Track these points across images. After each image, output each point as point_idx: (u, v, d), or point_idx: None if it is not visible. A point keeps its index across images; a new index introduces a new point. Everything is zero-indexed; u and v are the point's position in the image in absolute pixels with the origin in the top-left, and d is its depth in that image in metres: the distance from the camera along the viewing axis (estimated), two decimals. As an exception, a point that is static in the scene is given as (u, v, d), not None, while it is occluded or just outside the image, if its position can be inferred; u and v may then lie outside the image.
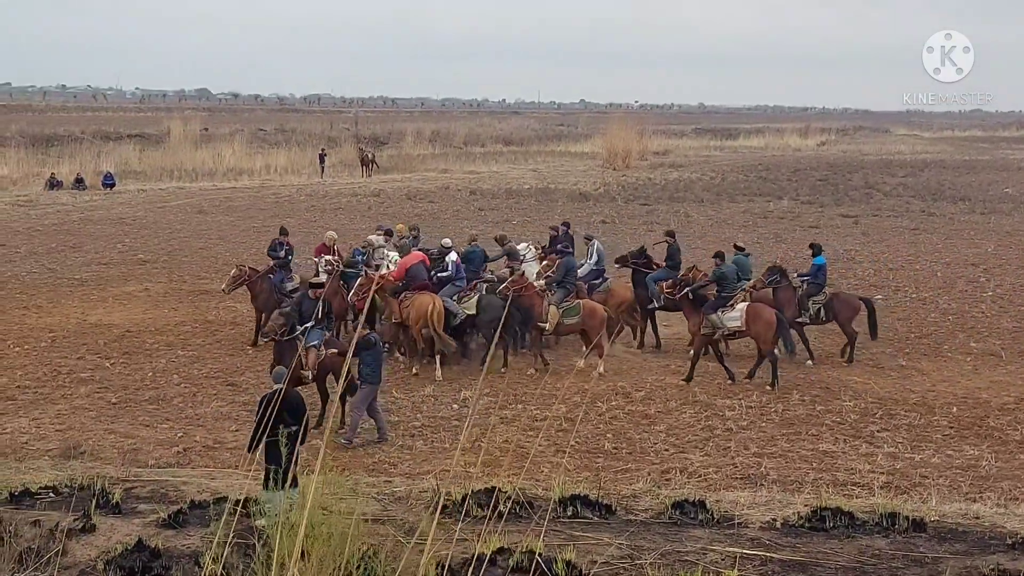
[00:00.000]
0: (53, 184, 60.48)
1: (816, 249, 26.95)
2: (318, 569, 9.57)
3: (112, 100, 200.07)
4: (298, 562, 10.05)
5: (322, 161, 73.44)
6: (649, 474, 17.92)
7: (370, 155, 75.82)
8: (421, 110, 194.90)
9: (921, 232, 48.24)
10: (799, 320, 25.46)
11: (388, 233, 29.82)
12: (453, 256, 26.34)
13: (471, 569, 13.60)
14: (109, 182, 61.63)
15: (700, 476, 17.91)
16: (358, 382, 19.29)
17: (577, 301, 24.93)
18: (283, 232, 28.87)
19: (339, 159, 79.98)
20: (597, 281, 27.70)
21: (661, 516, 16.03)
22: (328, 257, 27.60)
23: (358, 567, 9.44)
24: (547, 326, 24.58)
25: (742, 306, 23.89)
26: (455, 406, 21.47)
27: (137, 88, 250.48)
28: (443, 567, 11.52)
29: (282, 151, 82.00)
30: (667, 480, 17.61)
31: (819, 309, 25.77)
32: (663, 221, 49.77)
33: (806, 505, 16.25)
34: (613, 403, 21.94)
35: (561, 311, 24.56)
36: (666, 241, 28.17)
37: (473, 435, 19.18)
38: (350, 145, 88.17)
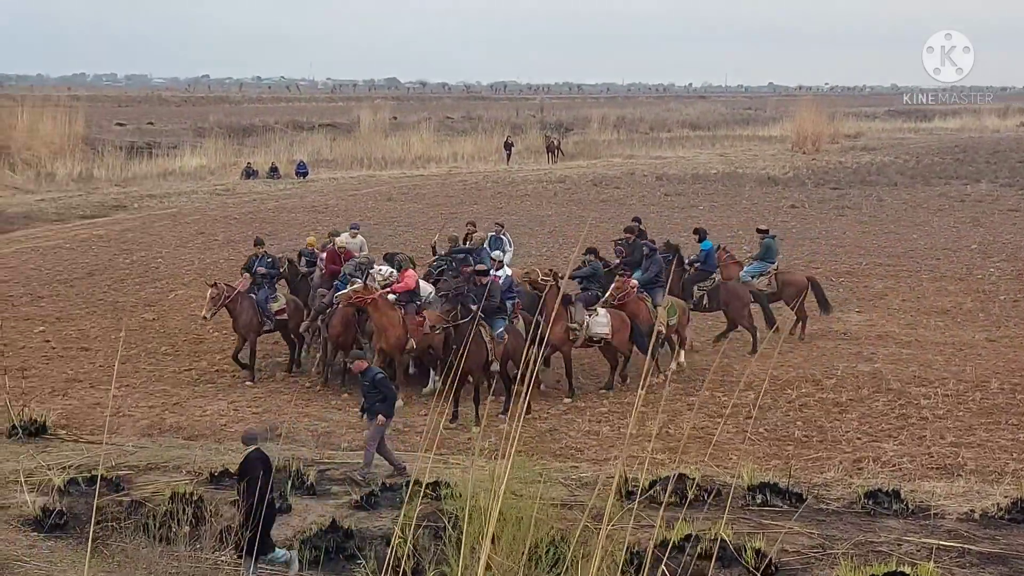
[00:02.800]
0: (249, 173, 61.91)
1: (702, 234, 26.12)
2: (507, 552, 9.62)
3: (305, 90, 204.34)
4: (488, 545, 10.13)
5: (508, 148, 73.72)
6: (841, 463, 17.62)
7: (556, 142, 75.91)
8: (607, 96, 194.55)
9: None
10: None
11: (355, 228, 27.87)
12: (507, 271, 23.61)
13: (658, 555, 13.55)
14: (302, 171, 62.87)
15: (894, 465, 17.54)
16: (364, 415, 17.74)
17: (671, 299, 23.45)
18: (258, 243, 25.48)
19: (525, 146, 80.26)
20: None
21: (853, 506, 15.78)
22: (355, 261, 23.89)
23: (546, 551, 9.46)
24: (662, 328, 22.70)
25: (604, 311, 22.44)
26: (641, 392, 21.34)
27: (328, 78, 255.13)
28: (630, 552, 11.50)
29: (469, 139, 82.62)
30: (859, 469, 17.30)
31: (703, 296, 25.04)
32: (855, 205, 48.91)
33: (1006, 496, 15.80)
34: (803, 390, 21.62)
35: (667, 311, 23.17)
36: (625, 238, 25.40)
37: (660, 421, 19.08)
38: (536, 132, 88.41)
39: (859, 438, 18.97)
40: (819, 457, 18.04)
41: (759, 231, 27.42)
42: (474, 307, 19.91)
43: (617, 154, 78.57)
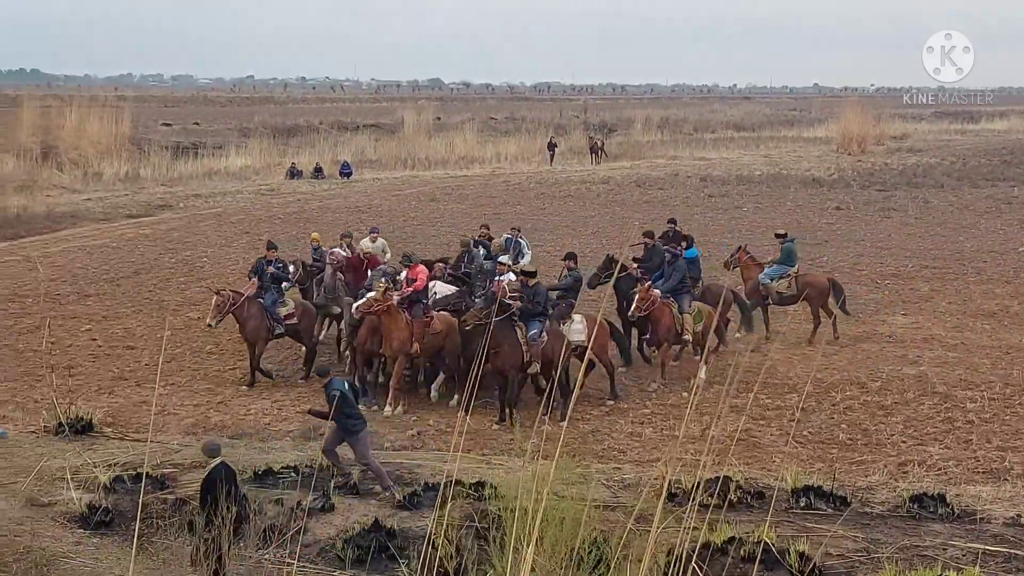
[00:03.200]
0: (293, 173, 62.20)
1: (689, 241, 25.45)
2: (551, 553, 9.62)
3: (349, 91, 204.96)
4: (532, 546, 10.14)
5: (552, 149, 73.72)
6: (886, 466, 17.52)
7: (599, 142, 75.85)
8: (650, 96, 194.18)
9: None
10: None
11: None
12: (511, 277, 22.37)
13: (701, 557, 13.52)
14: (346, 171, 63.08)
15: (939, 469, 17.42)
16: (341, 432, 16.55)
17: (698, 305, 23.16)
18: (271, 247, 24.34)
19: (568, 147, 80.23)
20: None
21: (898, 509, 15.69)
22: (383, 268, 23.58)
23: (589, 552, 9.46)
24: (689, 336, 22.82)
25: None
26: (684, 394, 21.31)
27: (373, 79, 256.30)
28: (673, 555, 11.47)
29: (512, 139, 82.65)
30: (904, 473, 17.19)
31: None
32: (900, 207, 48.63)
33: (1053, 501, 15.67)
34: (848, 393, 21.50)
35: (693, 317, 22.81)
36: (644, 243, 25.21)
37: (703, 423, 19.03)
38: (579, 133, 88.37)
39: (904, 441, 18.85)
40: (864, 460, 17.94)
41: (778, 235, 27.09)
42: (509, 308, 19.95)
43: (661, 155, 78.42)
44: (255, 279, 22.97)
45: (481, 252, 24.96)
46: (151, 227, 43.20)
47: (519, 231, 27.26)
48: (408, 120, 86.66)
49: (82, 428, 19.22)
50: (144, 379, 22.68)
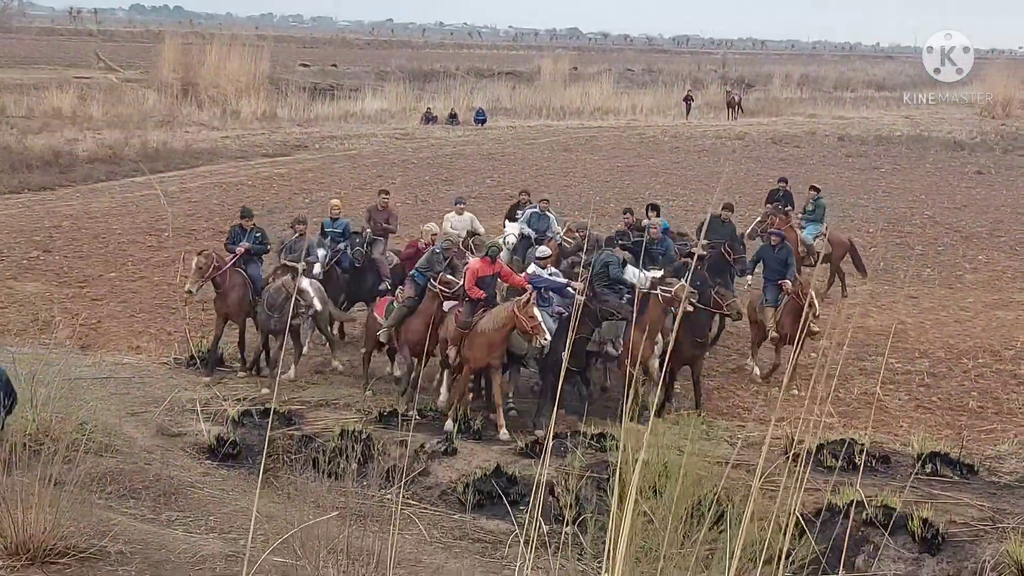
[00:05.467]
0: (428, 119, 62.50)
1: (657, 210, 22.40)
2: (671, 507, 9.61)
3: (486, 38, 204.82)
4: (650, 499, 10.15)
5: (688, 103, 73.09)
6: (1016, 436, 17.19)
7: (737, 97, 74.96)
8: (791, 53, 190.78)
9: None
10: None
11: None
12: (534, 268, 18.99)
13: (823, 519, 13.41)
14: (480, 118, 63.20)
15: (1072, 441, 17.02)
16: None
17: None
18: (246, 215, 20.97)
19: (705, 101, 79.49)
20: None
21: (1027, 480, 15.40)
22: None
23: (710, 508, 9.43)
24: (774, 333, 20.15)
25: None
26: (812, 354, 21.07)
27: (510, 26, 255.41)
28: (794, 515, 11.40)
29: (648, 91, 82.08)
30: (1035, 443, 16.83)
31: None
32: (1043, 173, 47.32)
33: None
34: (980, 360, 21.10)
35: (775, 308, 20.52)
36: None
37: (830, 385, 18.80)
38: (717, 87, 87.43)
39: (1036, 411, 18.47)
40: (993, 429, 17.62)
41: (813, 188, 26.42)
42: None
43: (799, 112, 77.26)
44: (244, 244, 19.97)
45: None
46: (286, 167, 43.75)
47: (548, 202, 23.41)
48: (544, 69, 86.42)
49: (213, 362, 19.62)
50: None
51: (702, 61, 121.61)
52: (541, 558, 11.85)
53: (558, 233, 21.78)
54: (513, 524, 13.37)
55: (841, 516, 13.60)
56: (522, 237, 21.89)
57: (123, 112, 55.91)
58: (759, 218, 24.29)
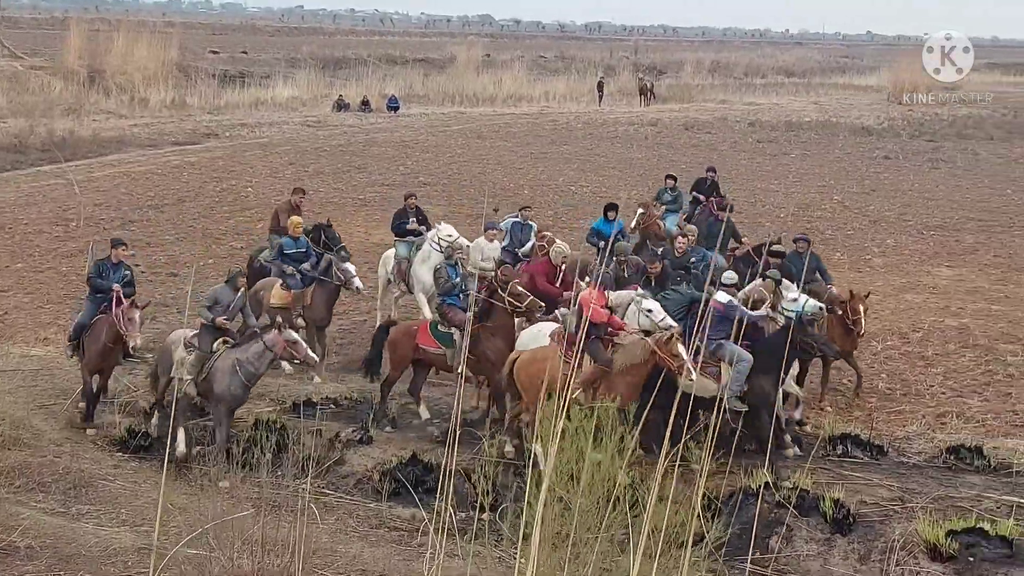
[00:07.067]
0: (340, 106, 62.26)
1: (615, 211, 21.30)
2: (587, 492, 9.67)
3: (398, 24, 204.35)
4: (566, 485, 10.19)
5: (601, 90, 73.42)
6: (924, 417, 17.44)
7: (649, 84, 75.41)
8: (702, 39, 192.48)
9: None
10: None
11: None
12: None
13: (737, 502, 13.56)
14: (393, 105, 63.05)
15: (977, 422, 17.33)
16: None
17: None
18: (116, 244, 17.62)
19: (618, 88, 79.84)
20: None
21: (935, 460, 15.69)
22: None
23: (625, 493, 9.49)
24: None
25: None
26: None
27: (422, 13, 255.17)
28: (708, 498, 11.48)
29: (561, 79, 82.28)
30: (942, 424, 17.12)
31: None
32: (949, 159, 48.09)
33: (1092, 456, 15.61)
34: (888, 343, 21.37)
35: None
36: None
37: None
38: (629, 74, 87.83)
39: (943, 393, 18.73)
40: (902, 410, 17.86)
41: (669, 177, 24.99)
42: None
43: (710, 99, 77.89)
44: (118, 286, 16.83)
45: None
46: (196, 155, 43.33)
47: (530, 209, 21.83)
48: (458, 56, 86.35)
49: (125, 353, 19.29)
50: (187, 307, 22.78)
51: (614, 48, 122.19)
52: (458, 545, 11.87)
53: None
54: (429, 512, 13.36)
55: (752, 498, 13.75)
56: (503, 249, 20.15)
57: (28, 100, 54.95)
58: (640, 211, 23.51)
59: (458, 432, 11.07)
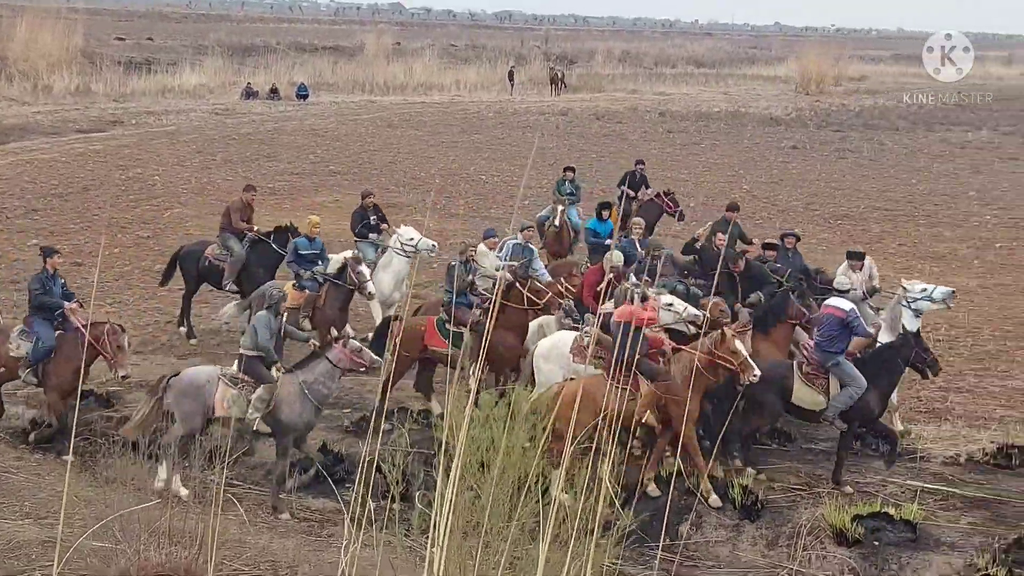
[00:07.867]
0: (249, 94, 61.76)
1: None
2: (498, 480, 9.66)
3: (307, 12, 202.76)
4: (477, 474, 10.17)
5: (511, 78, 73.46)
6: (831, 404, 17.61)
7: (560, 74, 75.49)
8: (612, 29, 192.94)
9: None
10: None
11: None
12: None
13: (641, 491, 13.63)
14: (303, 93, 62.67)
15: (883, 408, 17.55)
16: None
17: None
18: (49, 254, 16.77)
19: (528, 77, 79.88)
20: None
21: (841, 446, 15.83)
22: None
23: (536, 482, 9.49)
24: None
25: None
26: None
27: (332, 1, 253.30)
28: (620, 488, 11.51)
29: (472, 67, 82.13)
30: (848, 411, 17.30)
31: None
32: (855, 149, 48.69)
33: (992, 442, 15.94)
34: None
35: None
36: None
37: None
38: (540, 63, 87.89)
39: (850, 380, 18.93)
40: (810, 398, 18.02)
41: (568, 169, 25.04)
42: None
43: (621, 88, 78.17)
44: (74, 304, 16.29)
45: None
46: (102, 143, 42.74)
47: (533, 229, 20.98)
48: (367, 44, 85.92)
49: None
50: (91, 297, 22.48)
51: (525, 37, 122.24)
52: (368, 535, 11.81)
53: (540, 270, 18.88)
54: (339, 502, 13.29)
55: (661, 486, 13.86)
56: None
57: (-72, 87, 54.00)
58: (553, 206, 23.36)
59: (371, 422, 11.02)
